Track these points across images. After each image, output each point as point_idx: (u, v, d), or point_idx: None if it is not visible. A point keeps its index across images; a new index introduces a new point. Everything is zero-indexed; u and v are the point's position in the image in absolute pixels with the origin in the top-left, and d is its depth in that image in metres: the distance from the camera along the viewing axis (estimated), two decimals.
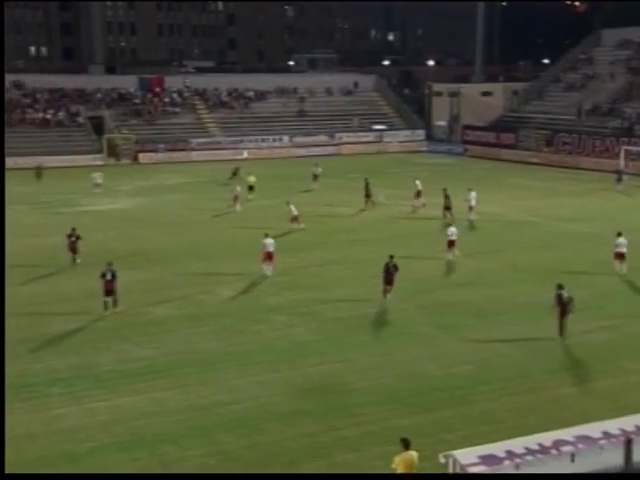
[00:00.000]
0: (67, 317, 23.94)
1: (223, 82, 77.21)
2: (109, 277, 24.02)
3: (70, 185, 51.37)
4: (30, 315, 24.12)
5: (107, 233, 36.00)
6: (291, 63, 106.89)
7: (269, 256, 28.30)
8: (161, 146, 66.05)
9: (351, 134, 73.60)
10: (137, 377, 19.34)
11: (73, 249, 30.27)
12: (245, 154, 66.23)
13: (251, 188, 45.01)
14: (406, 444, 12.81)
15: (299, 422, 16.95)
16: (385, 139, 73.98)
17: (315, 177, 49.29)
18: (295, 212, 36.05)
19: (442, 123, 78.30)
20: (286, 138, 71.16)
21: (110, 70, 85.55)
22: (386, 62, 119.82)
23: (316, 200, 43.80)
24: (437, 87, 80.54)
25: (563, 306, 21.46)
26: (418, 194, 41.80)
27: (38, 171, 54.31)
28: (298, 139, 71.51)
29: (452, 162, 65.11)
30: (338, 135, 72.83)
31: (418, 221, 39.04)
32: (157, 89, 74.19)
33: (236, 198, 41.43)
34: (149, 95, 73.16)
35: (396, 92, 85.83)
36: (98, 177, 49.04)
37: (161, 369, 19.85)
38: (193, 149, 66.87)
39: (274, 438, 16.25)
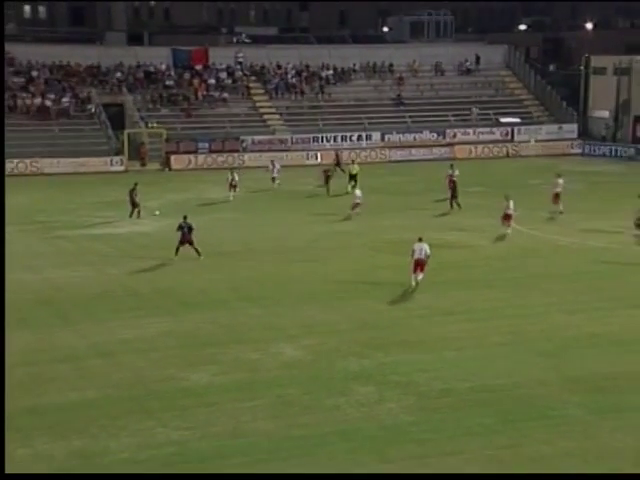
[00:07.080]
0: (69, 383, 24.44)
1: (290, 57, 78.52)
2: None
3: (76, 198, 52.88)
4: (20, 378, 24.59)
5: (123, 267, 36.77)
6: (385, 30, 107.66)
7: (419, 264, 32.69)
8: (203, 145, 67.42)
9: (469, 130, 73.76)
10: (163, 468, 19.58)
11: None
12: (318, 158, 66.80)
13: (352, 177, 53.99)
14: None
15: None
16: (518, 137, 73.77)
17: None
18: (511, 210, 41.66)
19: (604, 114, 77.37)
20: (376, 136, 71.73)
21: (134, 40, 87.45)
22: (523, 26, 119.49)
23: (422, 223, 43.68)
24: (598, 61, 79.64)
25: None
26: (556, 196, 47.41)
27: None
28: (393, 137, 71.98)
29: (618, 170, 64.22)
30: (450, 132, 73.10)
31: (572, 253, 38.67)
32: (198, 66, 75.84)
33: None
34: (187, 75, 74.81)
35: (537, 69, 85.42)
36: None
37: (196, 458, 20.06)
38: (246, 150, 67.80)
39: None
